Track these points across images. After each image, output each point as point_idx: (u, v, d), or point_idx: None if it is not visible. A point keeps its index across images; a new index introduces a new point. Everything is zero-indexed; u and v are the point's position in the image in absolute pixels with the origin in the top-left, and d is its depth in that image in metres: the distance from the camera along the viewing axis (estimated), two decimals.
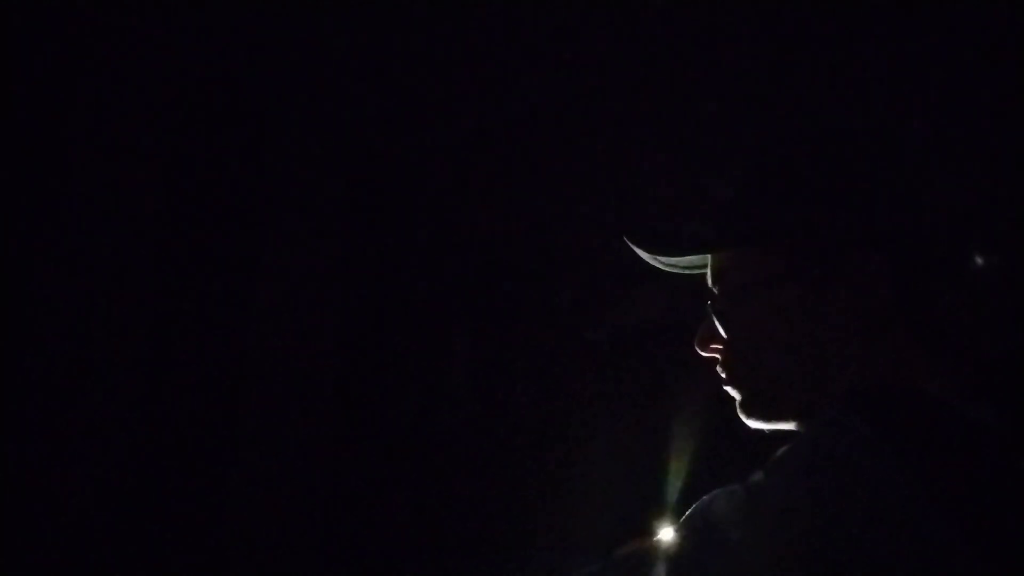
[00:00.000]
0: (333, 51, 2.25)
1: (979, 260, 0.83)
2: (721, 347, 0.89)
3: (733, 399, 0.89)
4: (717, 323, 0.88)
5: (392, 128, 2.39)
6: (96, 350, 2.02)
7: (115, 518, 2.01)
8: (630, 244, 0.94)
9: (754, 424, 0.88)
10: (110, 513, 2.00)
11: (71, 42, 2.02)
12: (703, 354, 0.91)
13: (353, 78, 2.31)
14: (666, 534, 0.79)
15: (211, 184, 2.22)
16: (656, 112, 2.17)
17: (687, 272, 0.95)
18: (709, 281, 0.91)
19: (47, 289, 1.98)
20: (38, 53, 1.98)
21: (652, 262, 0.96)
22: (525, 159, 2.39)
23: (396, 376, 2.34)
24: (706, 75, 2.05)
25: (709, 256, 0.91)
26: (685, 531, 0.76)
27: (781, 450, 0.80)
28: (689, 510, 0.77)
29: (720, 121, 1.99)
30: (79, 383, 1.99)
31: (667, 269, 0.96)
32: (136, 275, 2.10)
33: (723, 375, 0.89)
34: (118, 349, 2.05)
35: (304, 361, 2.28)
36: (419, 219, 2.41)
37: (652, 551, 0.79)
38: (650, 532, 0.87)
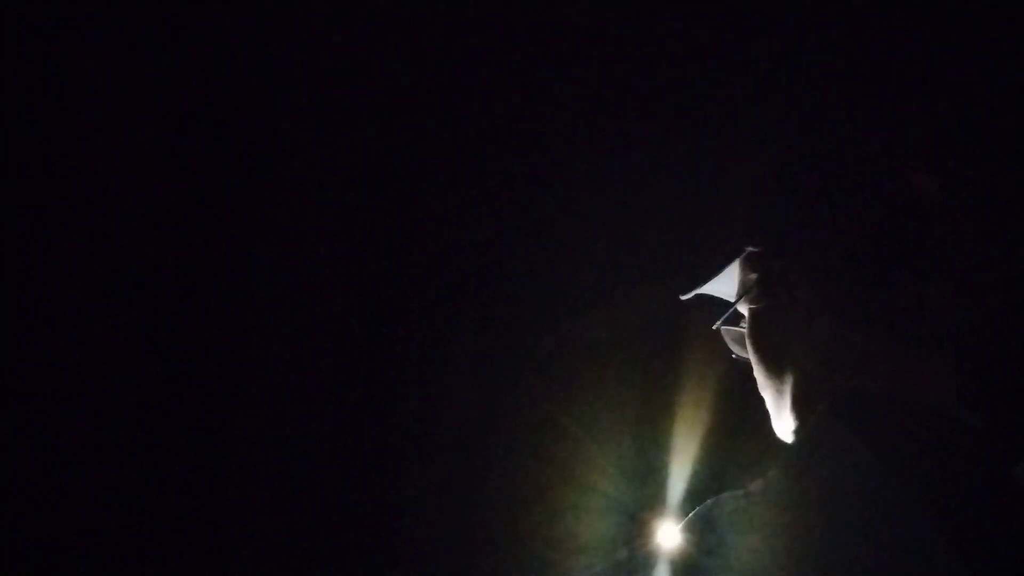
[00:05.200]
0: (333, 50, 2.25)
1: (974, 268, 0.84)
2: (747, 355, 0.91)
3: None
4: (748, 327, 0.90)
5: (393, 127, 2.39)
6: (94, 349, 2.03)
7: (114, 518, 2.01)
8: (691, 296, 0.96)
9: (781, 428, 0.88)
10: (109, 513, 2.01)
11: (70, 41, 2.02)
12: (741, 357, 0.93)
13: (353, 77, 2.31)
14: (667, 536, 0.80)
15: (210, 183, 2.22)
16: (656, 114, 2.18)
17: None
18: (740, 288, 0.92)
19: (46, 289, 1.98)
20: (38, 52, 1.99)
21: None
22: (526, 159, 2.39)
23: (396, 376, 2.34)
24: (708, 80, 2.05)
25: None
26: (687, 534, 0.76)
27: (781, 455, 0.81)
28: (691, 514, 0.78)
29: (724, 132, 2.00)
30: (78, 382, 2.00)
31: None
32: (135, 274, 2.10)
33: (755, 376, 0.91)
34: (116, 348, 2.06)
35: (303, 361, 2.29)
36: (420, 219, 2.42)
37: (654, 553, 0.80)
38: (651, 534, 0.88)
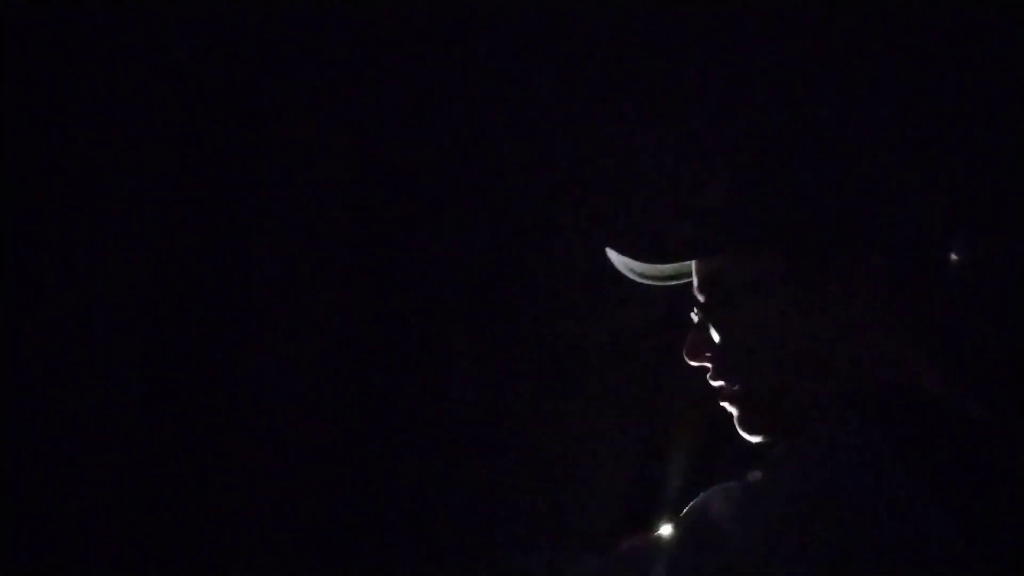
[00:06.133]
0: (334, 50, 2.25)
1: (975, 258, 0.83)
2: (713, 355, 0.87)
3: (730, 413, 0.88)
4: (713, 330, 0.86)
5: (393, 129, 2.40)
6: (95, 349, 2.03)
7: (115, 518, 2.01)
8: (613, 254, 0.92)
9: (755, 438, 0.86)
10: (109, 513, 2.01)
11: (71, 41, 2.03)
12: (693, 364, 0.89)
13: (354, 78, 2.32)
14: (664, 531, 0.79)
15: (211, 183, 2.22)
16: (647, 114, 2.18)
17: (665, 284, 0.94)
18: (696, 289, 0.89)
19: (46, 289, 1.98)
20: (38, 53, 1.99)
21: (628, 275, 0.94)
22: (524, 159, 2.39)
23: (396, 376, 2.34)
24: (695, 78, 2.05)
25: (693, 264, 0.89)
26: (684, 530, 0.75)
27: (778, 448, 0.81)
28: (686, 508, 0.77)
29: (710, 124, 1.99)
30: (78, 383, 1.99)
31: (644, 282, 0.95)
32: (136, 274, 2.10)
33: (717, 385, 0.88)
34: (117, 349, 2.06)
35: (303, 361, 2.29)
36: (419, 219, 2.42)
37: (651, 549, 0.79)
38: (648, 529, 0.88)
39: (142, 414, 2.08)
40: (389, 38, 2.22)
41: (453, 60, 2.23)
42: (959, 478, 0.71)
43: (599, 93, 2.21)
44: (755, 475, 0.74)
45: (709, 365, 0.88)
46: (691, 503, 0.77)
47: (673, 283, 0.93)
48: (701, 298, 0.88)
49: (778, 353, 0.83)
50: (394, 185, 2.42)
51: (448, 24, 2.11)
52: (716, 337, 0.86)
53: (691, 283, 0.90)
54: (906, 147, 0.87)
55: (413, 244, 2.41)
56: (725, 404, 0.88)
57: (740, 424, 0.87)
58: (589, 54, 2.14)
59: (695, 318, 0.89)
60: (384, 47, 2.24)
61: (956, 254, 0.83)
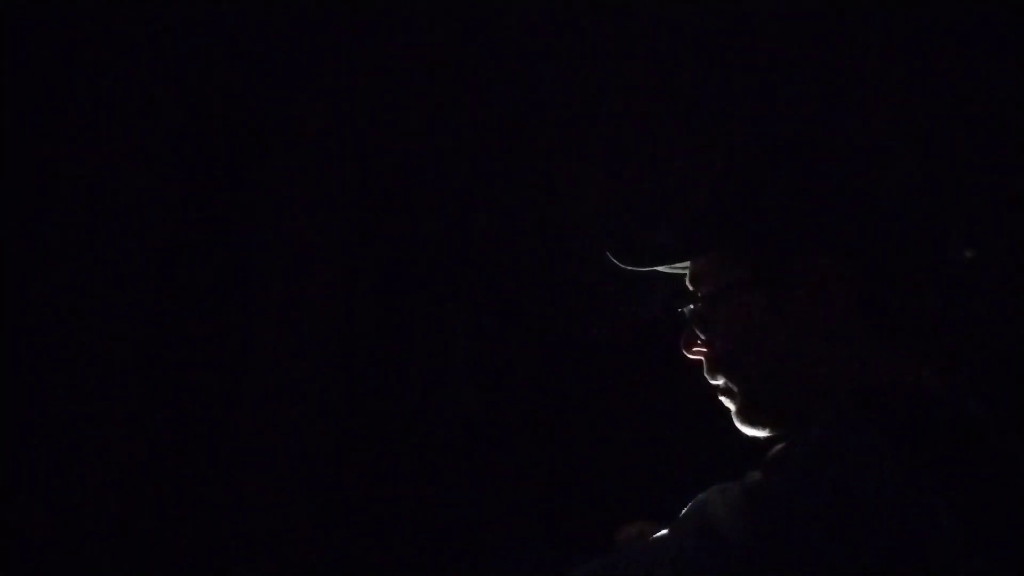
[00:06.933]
0: (334, 49, 2.25)
1: (948, 257, 0.84)
2: (704, 349, 0.91)
3: (727, 408, 0.91)
4: (695, 326, 0.91)
5: (392, 128, 2.40)
6: (94, 349, 2.03)
7: (115, 518, 2.01)
8: (610, 256, 0.97)
9: (750, 431, 0.89)
10: (109, 513, 2.01)
11: (71, 42, 2.03)
12: (688, 356, 0.93)
13: (354, 78, 2.32)
14: (664, 531, 0.79)
15: (211, 183, 2.23)
16: (629, 117, 2.18)
17: (671, 272, 0.98)
18: (688, 285, 0.93)
19: (46, 288, 1.98)
20: (38, 53, 1.99)
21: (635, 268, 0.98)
22: (522, 160, 2.39)
23: (396, 375, 2.34)
24: (674, 87, 2.06)
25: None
26: (682, 530, 0.75)
27: (776, 448, 0.81)
28: (685, 509, 0.77)
29: (688, 130, 2.00)
30: (78, 382, 2.00)
31: (644, 270, 0.98)
32: (135, 274, 2.10)
33: (710, 380, 0.92)
34: (116, 348, 2.06)
35: (303, 360, 2.29)
36: (419, 219, 2.42)
37: (650, 548, 0.79)
38: (648, 529, 0.88)
39: (142, 413, 2.09)
40: (388, 39, 2.23)
41: (449, 71, 2.24)
42: (958, 476, 0.71)
43: (584, 103, 2.22)
44: (754, 475, 0.74)
45: (703, 358, 0.92)
46: (691, 503, 0.77)
47: (679, 272, 0.97)
48: (695, 293, 0.92)
49: (759, 351, 0.86)
50: (397, 184, 2.42)
51: (439, 39, 2.13)
52: (700, 332, 0.91)
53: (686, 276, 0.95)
54: (867, 154, 0.87)
55: (414, 244, 2.42)
56: (721, 398, 0.91)
57: (735, 418, 0.90)
58: (601, 65, 2.15)
59: (688, 312, 0.93)
60: (383, 48, 2.25)
61: (948, 254, 0.84)
